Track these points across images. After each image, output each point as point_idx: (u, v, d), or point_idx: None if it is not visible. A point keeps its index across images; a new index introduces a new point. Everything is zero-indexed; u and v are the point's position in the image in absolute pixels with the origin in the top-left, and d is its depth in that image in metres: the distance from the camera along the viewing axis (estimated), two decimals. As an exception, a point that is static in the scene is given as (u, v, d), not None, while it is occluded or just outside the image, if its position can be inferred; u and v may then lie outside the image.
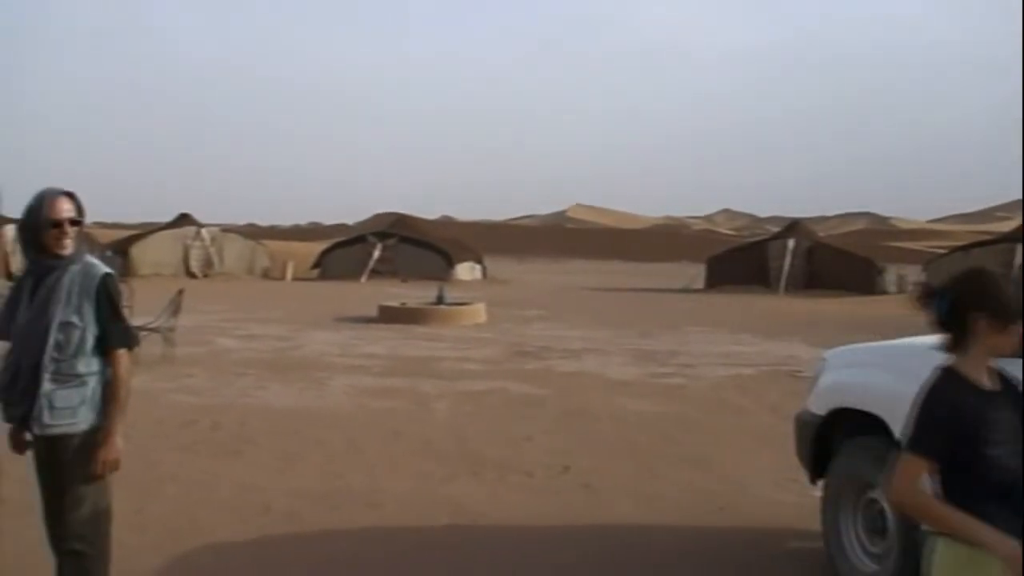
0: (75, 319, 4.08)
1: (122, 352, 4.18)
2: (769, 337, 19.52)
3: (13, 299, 4.26)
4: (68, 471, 4.14)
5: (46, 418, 4.09)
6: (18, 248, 23.98)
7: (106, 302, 4.13)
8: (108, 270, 4.21)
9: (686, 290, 37.19)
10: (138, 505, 6.60)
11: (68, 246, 4.12)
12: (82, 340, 4.09)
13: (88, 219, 4.30)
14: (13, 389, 4.15)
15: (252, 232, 62.51)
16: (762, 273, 37.32)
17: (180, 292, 15.53)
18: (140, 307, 14.69)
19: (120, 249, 38.33)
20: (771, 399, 11.57)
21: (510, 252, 75.30)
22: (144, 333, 14.35)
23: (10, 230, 35.19)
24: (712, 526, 6.54)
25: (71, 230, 4.12)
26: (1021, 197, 42.12)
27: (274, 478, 7.63)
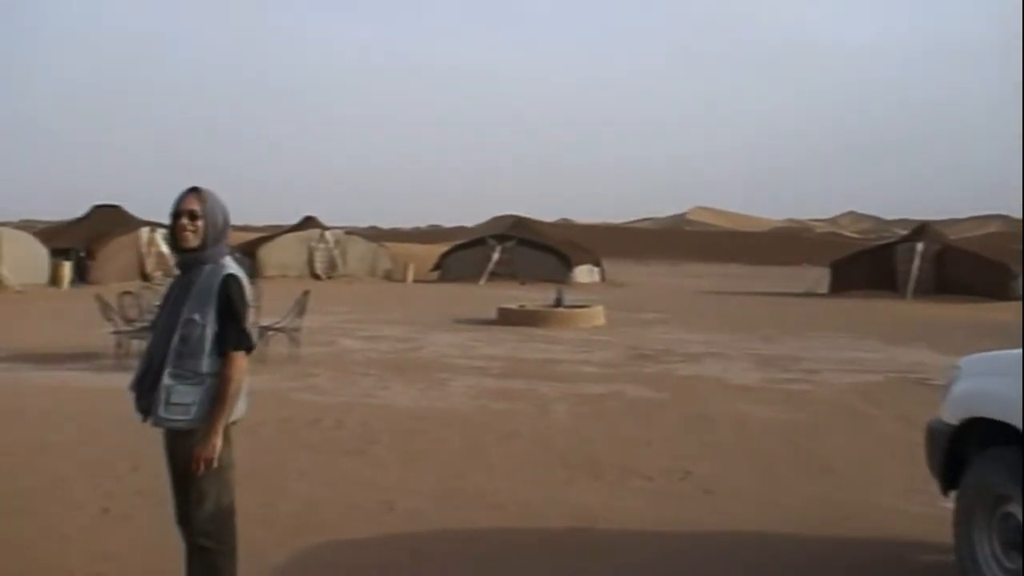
0: (197, 317, 4.19)
1: (237, 354, 4.22)
2: (896, 343, 19.00)
3: (164, 297, 4.46)
4: (188, 467, 4.25)
5: (161, 411, 4.22)
6: (152, 250, 24.96)
7: (225, 303, 4.21)
8: (233, 271, 4.28)
9: (809, 294, 36.43)
10: (267, 500, 6.79)
11: (189, 239, 4.25)
12: (202, 338, 4.18)
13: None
14: (143, 382, 4.31)
15: (374, 235, 63.54)
16: (889, 277, 36.30)
17: (305, 293, 15.88)
18: (267, 308, 15.11)
19: (248, 251, 39.37)
20: (898, 407, 11.26)
21: (629, 255, 74.86)
22: (271, 333, 14.77)
23: (144, 232, 36.56)
24: (837, 536, 6.40)
25: (189, 223, 4.24)
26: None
27: (397, 477, 7.75)
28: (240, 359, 4.22)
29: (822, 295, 36.60)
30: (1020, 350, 4.89)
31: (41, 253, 33.50)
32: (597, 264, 44.88)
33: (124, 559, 5.65)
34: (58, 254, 33.98)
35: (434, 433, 9.58)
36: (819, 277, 38.45)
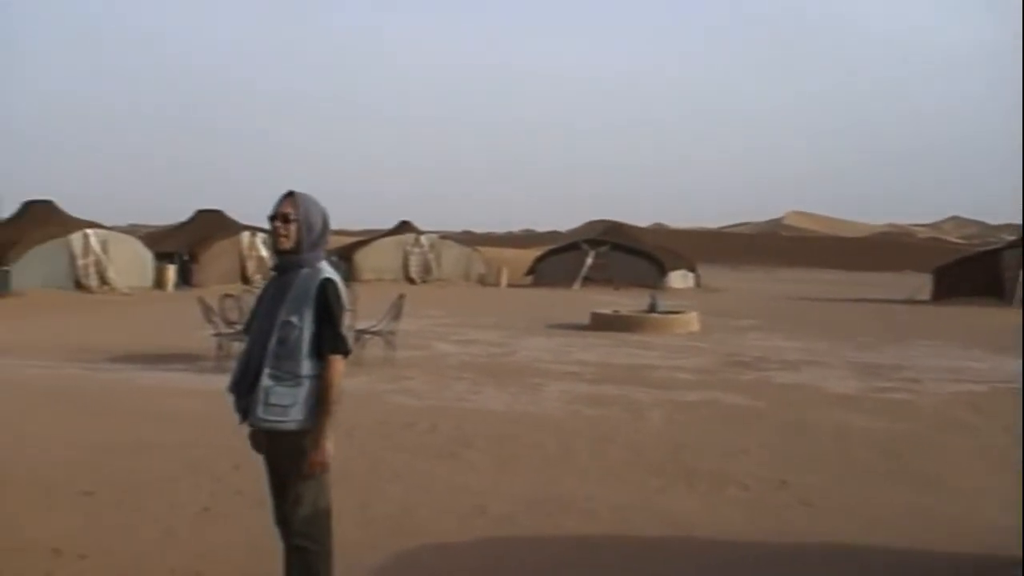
0: (294, 319, 4.25)
1: (335, 357, 4.26)
2: (1002, 352, 18.40)
3: (259, 299, 4.55)
4: (285, 469, 4.33)
5: (259, 412, 4.29)
6: (252, 254, 25.45)
7: (323, 306, 4.26)
8: (330, 275, 4.33)
9: (910, 301, 35.54)
10: (362, 501, 6.87)
11: (283, 242, 4.34)
12: (299, 341, 4.24)
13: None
14: (242, 383, 4.39)
15: (468, 239, 63.89)
16: (994, 285, 35.18)
17: (401, 297, 16.04)
18: (363, 311, 15.30)
19: (344, 255, 39.95)
20: (1004, 418, 10.91)
21: (724, 260, 74.06)
22: (367, 336, 14.95)
23: (245, 236, 37.34)
24: (940, 551, 6.22)
25: (283, 227, 4.33)
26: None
27: (490, 481, 7.78)
28: (338, 362, 4.27)
29: (924, 302, 35.71)
30: None
31: (147, 257, 34.45)
32: (691, 269, 44.50)
33: (223, 557, 5.77)
34: (163, 258, 34.91)
35: (527, 438, 9.59)
36: (920, 284, 37.51)
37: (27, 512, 6.64)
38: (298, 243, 4.35)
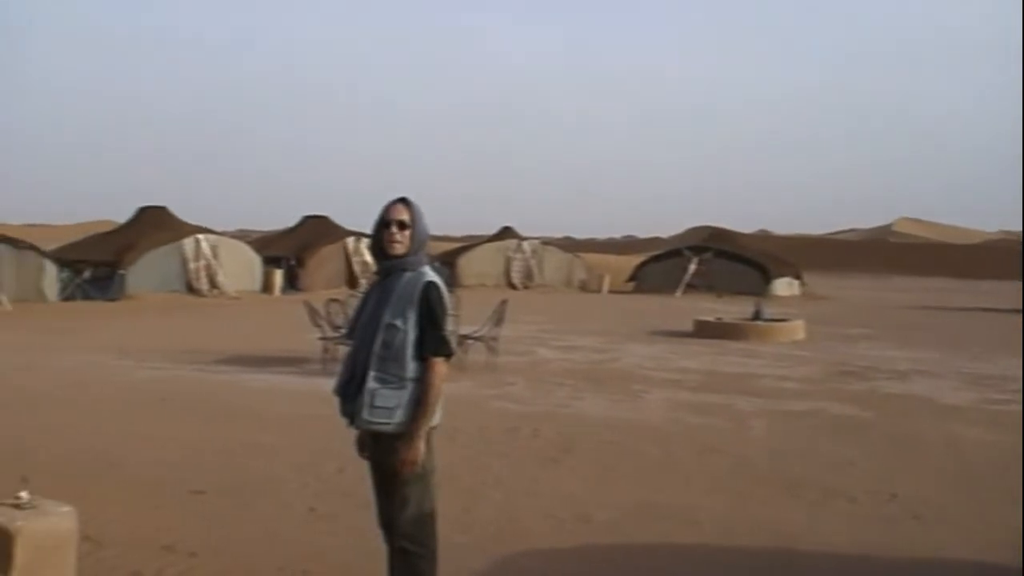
0: (398, 322, 4.28)
1: (437, 360, 4.29)
2: None
3: (361, 302, 4.60)
4: (390, 471, 4.36)
5: (365, 414, 4.33)
6: (357, 259, 25.82)
7: (426, 309, 4.29)
8: (433, 279, 4.35)
9: (1026, 311, 34.37)
10: (465, 506, 6.91)
11: (396, 248, 4.37)
12: (403, 343, 4.27)
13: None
14: (348, 386, 4.43)
15: (569, 245, 63.92)
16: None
17: (503, 302, 16.10)
18: (465, 316, 15.40)
19: (447, 260, 40.26)
20: None
21: (830, 267, 72.55)
22: (469, 341, 15.04)
23: (350, 242, 37.92)
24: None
25: (399, 232, 4.37)
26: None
27: (593, 488, 7.75)
28: (440, 365, 4.30)
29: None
30: None
31: (255, 261, 35.21)
32: (797, 277, 43.68)
33: (329, 558, 5.85)
34: (270, 262, 35.62)
35: (630, 445, 9.54)
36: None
37: (139, 509, 6.84)
38: (409, 249, 4.40)
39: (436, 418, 4.41)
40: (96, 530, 5.88)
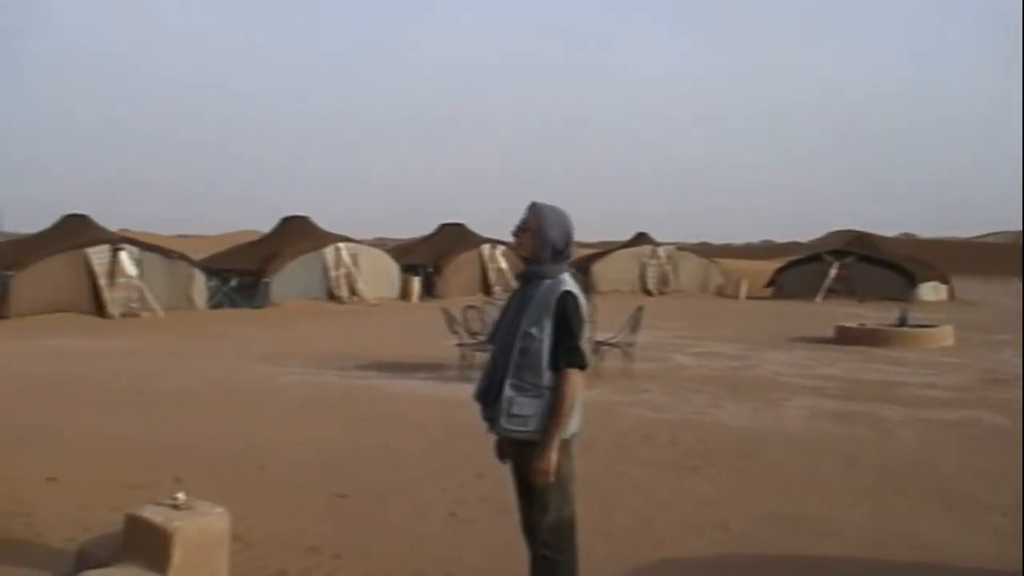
0: (535, 331, 4.30)
1: (571, 371, 4.27)
2: None
3: (504, 309, 4.64)
4: (529, 478, 4.38)
5: (503, 421, 4.36)
6: (492, 266, 25.97)
7: (561, 319, 4.28)
8: (570, 288, 4.34)
9: None
10: (603, 514, 6.89)
11: (519, 250, 4.47)
12: (540, 352, 4.28)
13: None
14: (488, 393, 4.47)
15: (705, 250, 63.08)
16: None
17: (639, 309, 16.00)
18: (600, 322, 15.37)
19: (582, 267, 40.26)
20: None
21: (979, 271, 69.92)
22: (605, 348, 15.00)
23: (486, 249, 38.28)
24: None
25: (520, 236, 4.44)
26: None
27: (731, 497, 7.63)
28: (574, 376, 4.28)
29: None
30: None
31: (393, 269, 35.87)
32: (944, 281, 42.17)
33: (470, 562, 5.91)
34: (408, 270, 36.25)
35: (769, 454, 9.36)
36: None
37: (285, 511, 7.04)
38: (534, 253, 4.42)
39: (574, 426, 4.42)
40: (244, 530, 6.07)
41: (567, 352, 4.27)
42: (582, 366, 4.31)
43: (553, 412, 4.26)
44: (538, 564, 4.45)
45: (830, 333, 22.02)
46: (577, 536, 4.50)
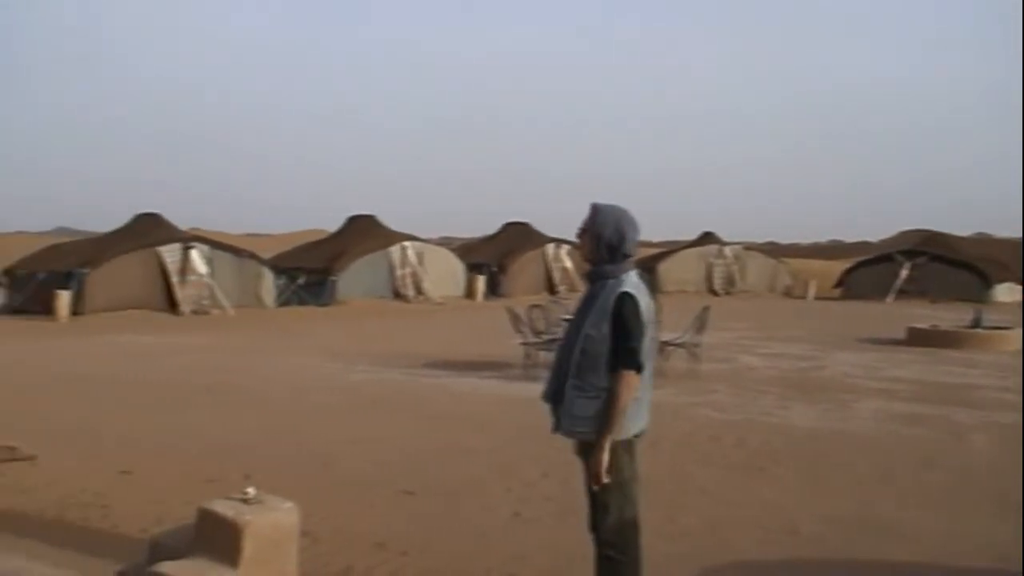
0: (594, 332, 4.29)
1: (625, 372, 4.23)
2: None
3: (574, 310, 4.66)
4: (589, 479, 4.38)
5: (565, 423, 4.38)
6: (556, 265, 26.04)
7: (617, 320, 4.26)
8: (628, 289, 4.31)
9: None
10: (669, 515, 6.84)
11: (581, 251, 4.52)
12: (599, 353, 4.27)
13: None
14: (555, 394, 4.49)
15: (772, 250, 62.29)
16: None
17: (706, 309, 15.87)
18: (666, 323, 15.27)
19: (647, 266, 40.09)
20: None
21: (1057, 272, 68.25)
22: (670, 348, 14.91)
23: (550, 248, 38.27)
24: None
25: (579, 237, 4.49)
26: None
27: (800, 499, 7.54)
28: (628, 377, 4.24)
29: None
30: None
31: (458, 268, 36.03)
32: (1020, 282, 41.25)
33: (535, 561, 5.91)
34: (473, 268, 36.38)
35: (839, 456, 9.23)
36: None
37: (352, 507, 7.10)
38: (591, 253, 4.43)
39: (637, 426, 4.40)
40: (312, 525, 6.13)
41: (622, 353, 4.25)
42: (638, 368, 4.27)
43: (605, 413, 4.24)
44: (602, 564, 4.44)
45: (901, 334, 21.65)
46: (641, 537, 4.48)
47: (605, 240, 4.38)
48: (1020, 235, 39.92)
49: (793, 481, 8.20)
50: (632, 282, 4.36)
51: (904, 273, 39.88)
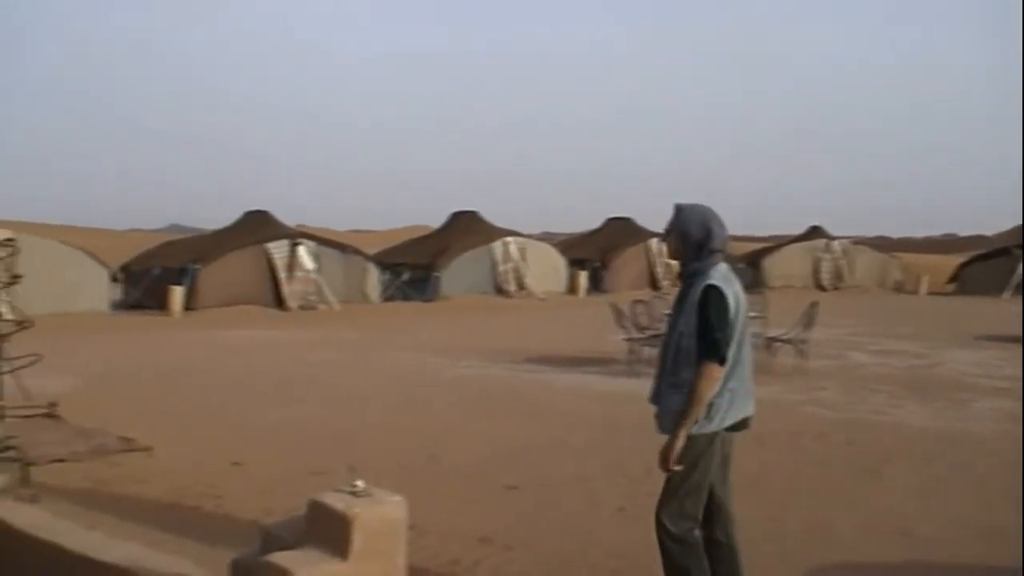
0: (685, 328, 4.31)
1: (707, 364, 4.21)
2: None
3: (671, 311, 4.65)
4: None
5: (665, 422, 4.39)
6: (660, 260, 25.79)
7: (700, 313, 4.25)
8: (712, 282, 4.29)
9: None
10: (775, 513, 6.73)
11: (669, 252, 4.54)
12: (689, 349, 4.27)
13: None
14: (657, 395, 4.51)
15: (883, 244, 60.82)
16: None
17: (813, 305, 15.57)
18: (773, 319, 15.06)
19: (752, 261, 39.51)
20: None
21: None
22: (777, 344, 14.68)
23: (653, 243, 38.00)
24: None
25: (666, 238, 4.53)
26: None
27: (914, 501, 7.33)
28: (708, 368, 4.21)
29: None
30: None
31: (560, 263, 36.02)
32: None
33: (638, 558, 5.85)
34: (575, 264, 36.33)
35: (955, 457, 8.96)
36: None
37: (457, 502, 7.14)
38: (678, 252, 4.46)
39: (732, 418, 4.36)
40: (418, 519, 6.16)
41: (703, 344, 4.23)
42: (720, 359, 4.24)
43: (685, 404, 4.24)
44: (660, 549, 4.41)
45: (1020, 331, 20.92)
46: (747, 537, 4.42)
47: (691, 238, 4.40)
48: None
49: (906, 481, 7.98)
50: (719, 275, 4.35)
51: (1022, 268, 38.50)
